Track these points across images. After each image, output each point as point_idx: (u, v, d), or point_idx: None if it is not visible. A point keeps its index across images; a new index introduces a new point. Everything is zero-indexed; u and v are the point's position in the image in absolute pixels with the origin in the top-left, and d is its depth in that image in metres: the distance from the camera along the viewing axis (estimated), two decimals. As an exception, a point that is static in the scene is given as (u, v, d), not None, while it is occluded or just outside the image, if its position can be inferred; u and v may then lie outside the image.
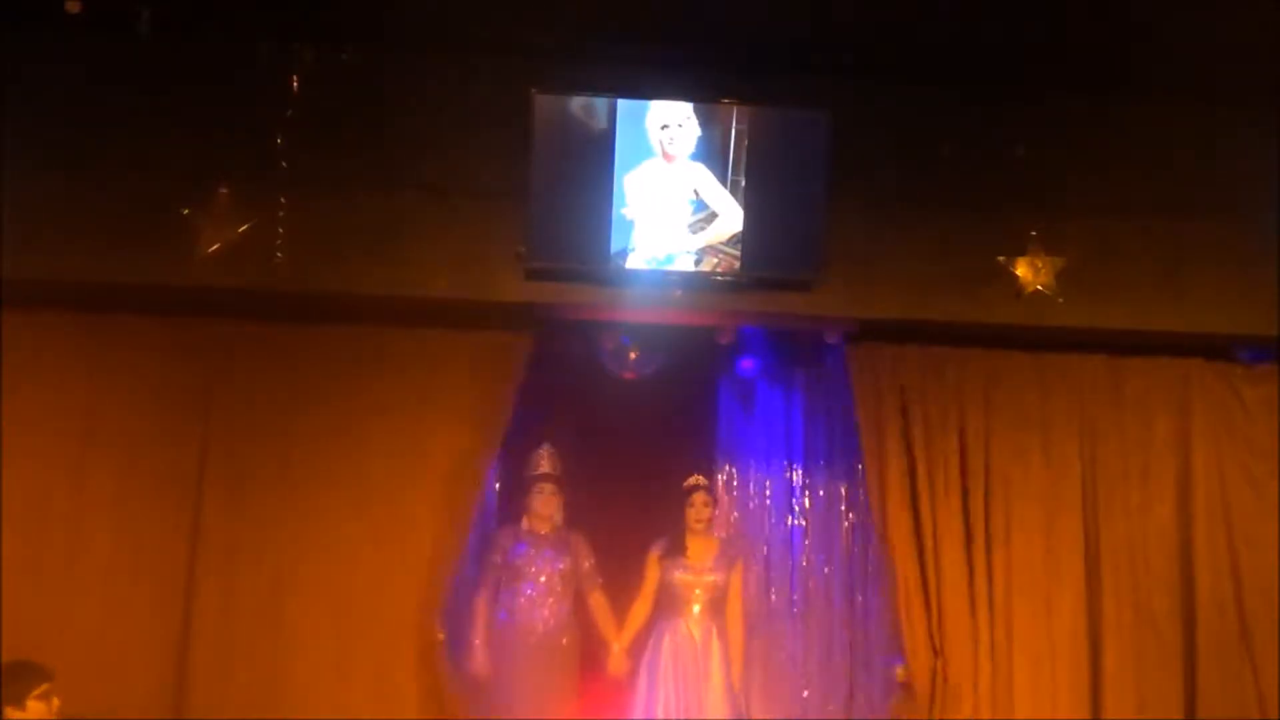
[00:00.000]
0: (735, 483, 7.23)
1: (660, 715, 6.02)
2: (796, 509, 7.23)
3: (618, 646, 6.17)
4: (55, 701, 4.75)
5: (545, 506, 6.26)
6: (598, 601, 6.24)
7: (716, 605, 6.18)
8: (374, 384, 6.02)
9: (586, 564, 6.26)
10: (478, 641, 6.10)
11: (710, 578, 6.17)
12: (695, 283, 5.78)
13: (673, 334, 6.68)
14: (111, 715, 5.53)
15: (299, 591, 5.89)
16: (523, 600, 6.12)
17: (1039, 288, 5.83)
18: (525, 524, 6.31)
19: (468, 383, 6.04)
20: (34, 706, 4.69)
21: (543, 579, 6.15)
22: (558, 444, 6.54)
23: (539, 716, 5.99)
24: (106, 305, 5.86)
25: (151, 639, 5.81)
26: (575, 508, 6.47)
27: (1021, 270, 5.84)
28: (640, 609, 6.22)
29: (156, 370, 5.95)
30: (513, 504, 6.57)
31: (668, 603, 6.19)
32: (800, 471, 7.25)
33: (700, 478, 6.35)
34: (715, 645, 6.12)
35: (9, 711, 4.64)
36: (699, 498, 6.27)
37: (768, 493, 7.24)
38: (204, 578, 5.87)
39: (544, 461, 6.34)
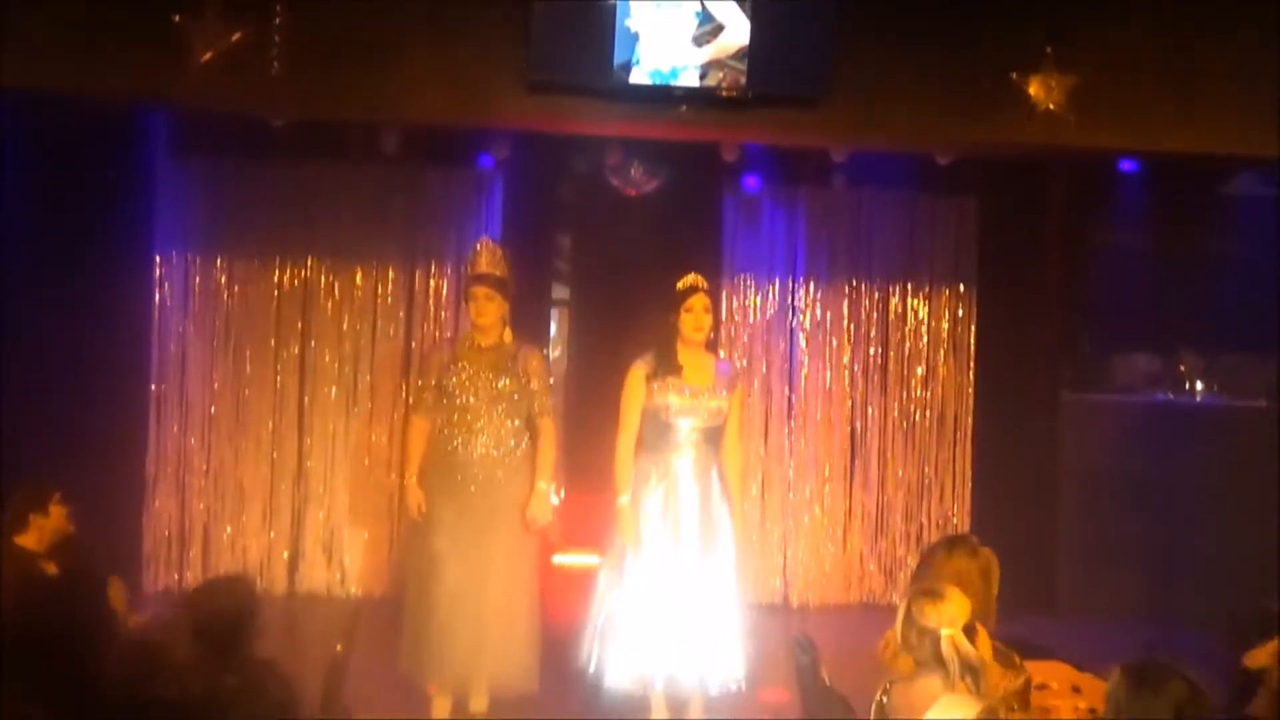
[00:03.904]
0: (737, 300, 7.25)
1: (653, 582, 4.91)
2: (797, 327, 7.29)
3: (542, 485, 5.07)
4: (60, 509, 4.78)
5: (480, 314, 5.07)
6: (543, 430, 5.12)
7: (715, 438, 5.04)
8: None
9: (535, 383, 5.11)
10: (409, 476, 5.16)
11: (714, 402, 4.99)
12: (700, 98, 5.66)
13: (676, 150, 6.60)
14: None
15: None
16: (456, 427, 5.06)
17: (1050, 107, 5.72)
18: (465, 337, 5.24)
19: None
20: (36, 521, 4.72)
21: (478, 400, 5.05)
22: (549, 254, 6.25)
23: (481, 562, 4.98)
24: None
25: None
26: (575, 328, 6.37)
27: (1034, 89, 5.70)
28: (626, 447, 5.00)
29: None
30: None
31: (656, 436, 4.99)
32: (802, 290, 7.29)
33: (698, 277, 5.05)
34: (717, 488, 5.02)
35: (17, 538, 4.66)
36: (698, 301, 4.96)
37: (770, 310, 7.27)
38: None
39: (481, 259, 5.14)
